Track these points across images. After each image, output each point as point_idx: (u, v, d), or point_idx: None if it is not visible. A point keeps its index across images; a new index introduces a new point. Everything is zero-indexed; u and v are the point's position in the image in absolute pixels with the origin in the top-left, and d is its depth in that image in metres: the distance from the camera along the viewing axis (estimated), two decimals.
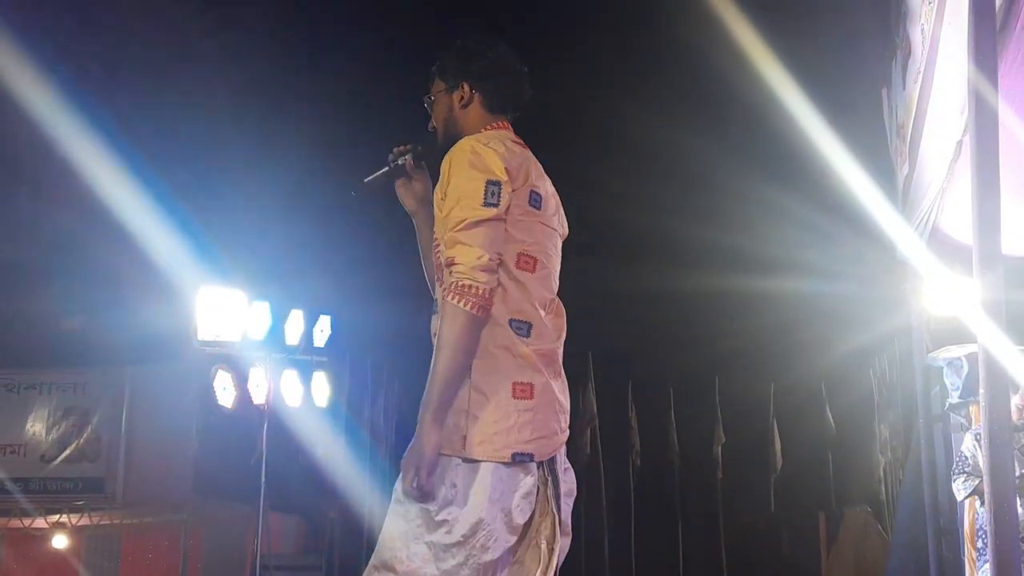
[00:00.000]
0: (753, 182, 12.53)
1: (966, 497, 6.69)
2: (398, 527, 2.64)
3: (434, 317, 2.82)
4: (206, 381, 10.40)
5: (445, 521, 2.60)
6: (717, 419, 16.64)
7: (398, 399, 15.17)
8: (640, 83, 13.87)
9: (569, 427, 2.85)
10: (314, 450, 11.95)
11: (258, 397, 10.15)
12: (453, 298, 2.63)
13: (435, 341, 2.74)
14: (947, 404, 7.88)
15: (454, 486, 2.61)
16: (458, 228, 2.66)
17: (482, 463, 2.63)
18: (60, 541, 13.94)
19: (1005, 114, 3.61)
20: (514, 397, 2.68)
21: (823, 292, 13.20)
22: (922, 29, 5.15)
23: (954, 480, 6.75)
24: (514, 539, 2.66)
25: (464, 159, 2.71)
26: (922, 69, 5.21)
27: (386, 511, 2.69)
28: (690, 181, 13.96)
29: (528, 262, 2.76)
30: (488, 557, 2.60)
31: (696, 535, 17.22)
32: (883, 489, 14.66)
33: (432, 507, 2.60)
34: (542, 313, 2.79)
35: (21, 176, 7.79)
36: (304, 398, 10.87)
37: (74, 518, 13.33)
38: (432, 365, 2.65)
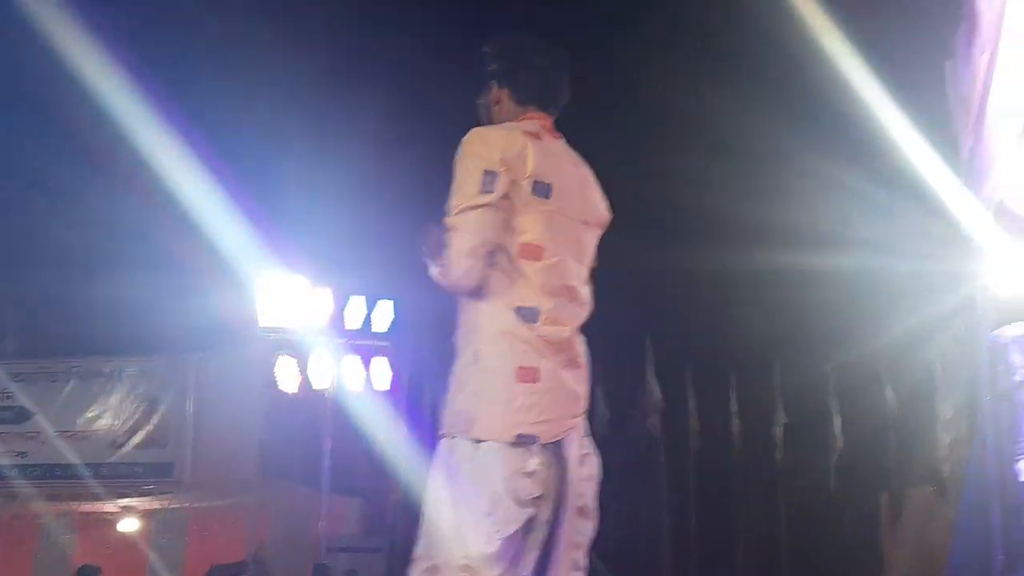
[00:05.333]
0: (809, 156, 12.33)
1: None
2: (425, 513, 2.77)
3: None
4: (270, 367, 10.57)
5: (464, 499, 2.68)
6: (776, 400, 16.48)
7: None
8: (690, 55, 13.68)
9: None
10: (376, 434, 12.08)
11: (320, 382, 10.29)
12: (436, 272, 2.85)
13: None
14: (1014, 382, 7.76)
15: (466, 466, 2.71)
16: (455, 214, 2.79)
17: (488, 443, 2.72)
18: (130, 524, 14.25)
19: None
20: (519, 381, 2.76)
21: (882, 268, 12.99)
22: None
23: (1018, 461, 6.65)
24: (528, 512, 2.71)
25: (465, 146, 2.84)
26: (988, 40, 5.14)
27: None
28: (744, 157, 13.78)
29: (532, 251, 2.83)
30: (510, 530, 2.68)
31: (755, 516, 17.10)
32: (947, 469, 14.42)
33: (449, 489, 2.71)
34: (552, 300, 2.85)
35: (94, 166, 7.97)
36: (365, 383, 10.99)
37: (143, 502, 13.63)
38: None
